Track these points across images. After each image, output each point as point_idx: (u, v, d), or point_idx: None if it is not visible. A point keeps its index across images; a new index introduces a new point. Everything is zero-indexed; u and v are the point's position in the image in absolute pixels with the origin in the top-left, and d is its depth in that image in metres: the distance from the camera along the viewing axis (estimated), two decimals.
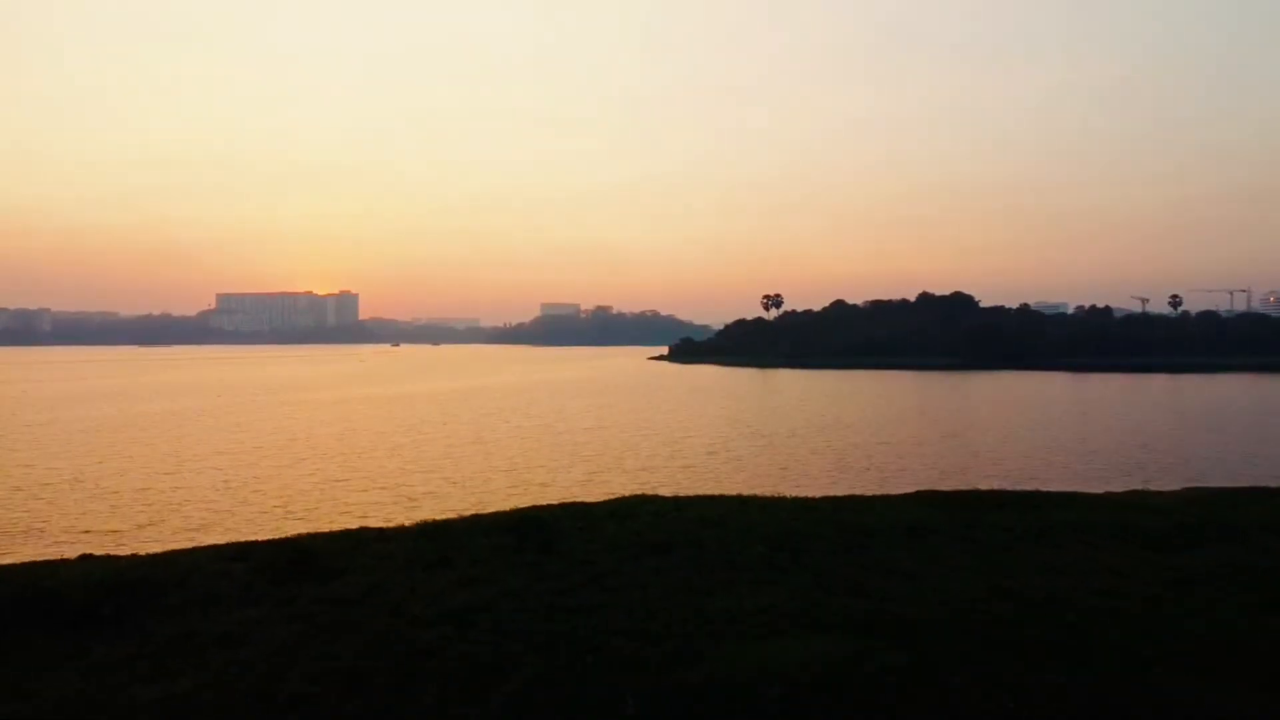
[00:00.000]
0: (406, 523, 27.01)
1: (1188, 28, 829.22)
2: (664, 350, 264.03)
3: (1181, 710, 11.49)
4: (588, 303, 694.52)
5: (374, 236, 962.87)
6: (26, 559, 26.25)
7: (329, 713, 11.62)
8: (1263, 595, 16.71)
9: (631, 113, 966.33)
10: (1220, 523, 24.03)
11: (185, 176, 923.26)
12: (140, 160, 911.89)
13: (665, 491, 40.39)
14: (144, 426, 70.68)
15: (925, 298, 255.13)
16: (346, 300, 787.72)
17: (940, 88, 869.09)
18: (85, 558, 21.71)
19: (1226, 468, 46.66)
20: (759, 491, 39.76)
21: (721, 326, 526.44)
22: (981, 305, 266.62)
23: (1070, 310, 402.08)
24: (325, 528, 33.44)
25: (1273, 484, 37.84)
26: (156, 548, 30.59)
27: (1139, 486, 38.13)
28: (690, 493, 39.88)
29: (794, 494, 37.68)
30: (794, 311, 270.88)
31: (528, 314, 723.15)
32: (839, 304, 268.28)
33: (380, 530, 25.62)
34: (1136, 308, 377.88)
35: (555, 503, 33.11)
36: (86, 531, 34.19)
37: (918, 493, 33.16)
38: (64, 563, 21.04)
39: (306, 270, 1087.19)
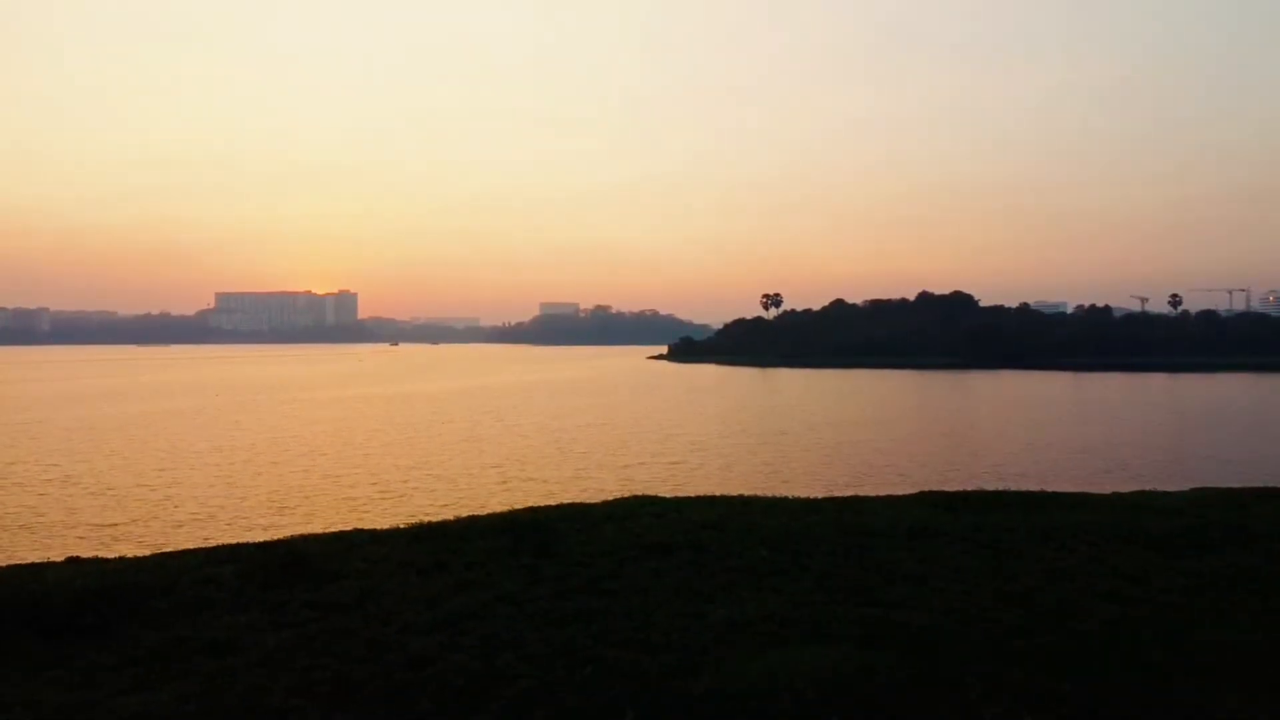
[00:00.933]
0: (401, 524, 26.58)
1: (1188, 28, 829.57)
2: (663, 350, 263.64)
3: None
4: (587, 302, 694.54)
5: (373, 236, 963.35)
6: (12, 560, 25.86)
7: None
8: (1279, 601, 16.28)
9: (631, 112, 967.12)
10: (1230, 525, 23.60)
11: (184, 176, 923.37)
12: (139, 160, 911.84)
13: (663, 491, 40.07)
14: (140, 426, 70.24)
15: (925, 297, 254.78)
16: (345, 300, 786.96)
17: (940, 88, 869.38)
18: (72, 560, 21.28)
19: (1231, 468, 46.29)
20: (760, 491, 39.39)
21: (721, 326, 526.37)
22: (981, 305, 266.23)
23: (1070, 310, 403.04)
24: (319, 529, 33.06)
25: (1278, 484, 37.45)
26: (147, 549, 30.19)
27: (1144, 487, 37.71)
28: (689, 493, 39.51)
29: (795, 494, 37.34)
30: (793, 311, 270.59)
31: (527, 313, 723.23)
32: (838, 303, 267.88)
33: (374, 532, 25.16)
34: (1136, 307, 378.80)
35: (553, 504, 32.76)
36: (76, 528, 33.72)
37: (921, 494, 32.70)
38: (49, 566, 20.59)
39: (306, 270, 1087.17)
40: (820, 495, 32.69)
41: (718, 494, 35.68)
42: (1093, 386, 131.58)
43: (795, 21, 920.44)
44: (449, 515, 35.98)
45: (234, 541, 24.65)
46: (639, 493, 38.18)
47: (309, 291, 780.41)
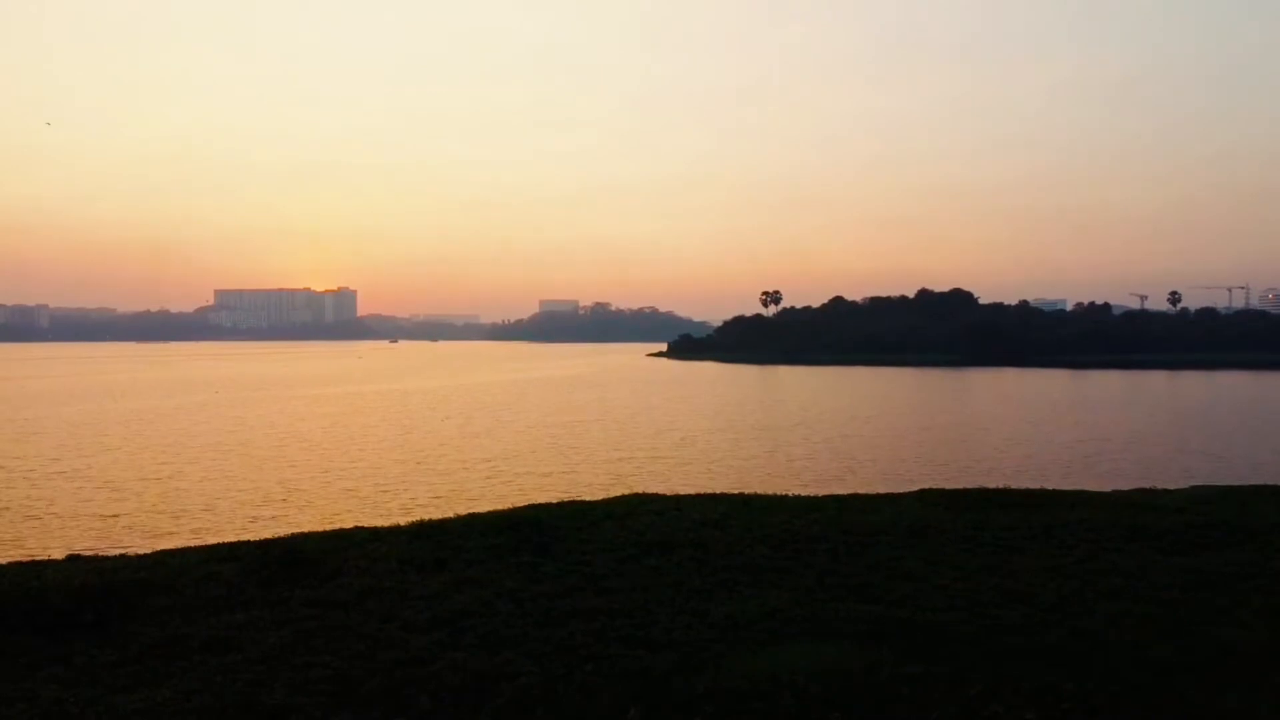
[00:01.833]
0: (401, 522, 26.53)
1: (1190, 27, 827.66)
2: (663, 347, 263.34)
3: None
4: (587, 299, 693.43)
5: (373, 233, 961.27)
6: (15, 553, 25.81)
7: None
8: None
9: (632, 110, 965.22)
10: (1230, 522, 23.55)
11: (184, 173, 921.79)
12: (138, 157, 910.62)
13: (663, 488, 39.99)
14: (142, 421, 70.12)
15: (925, 295, 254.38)
16: (345, 297, 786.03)
17: (941, 86, 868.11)
18: (72, 558, 21.22)
19: (1229, 466, 46.23)
20: (760, 488, 39.36)
21: (721, 323, 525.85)
22: (981, 302, 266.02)
23: (1070, 308, 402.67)
24: (319, 526, 32.98)
25: (1278, 482, 37.36)
26: (148, 542, 30.18)
27: (1143, 485, 37.64)
28: (689, 490, 39.44)
29: (796, 491, 37.23)
30: (793, 308, 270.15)
31: (526, 310, 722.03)
32: (838, 300, 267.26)
33: (374, 530, 25.10)
34: (1135, 304, 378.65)
35: (554, 501, 32.70)
36: (78, 520, 33.64)
37: (922, 491, 32.61)
38: (51, 563, 20.55)
39: (305, 267, 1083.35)
40: (821, 493, 32.59)
41: (718, 491, 35.67)
42: (1091, 384, 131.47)
43: (796, 20, 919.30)
44: (449, 513, 35.97)
45: (234, 539, 24.59)
46: (639, 490, 38.14)
47: (308, 289, 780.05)
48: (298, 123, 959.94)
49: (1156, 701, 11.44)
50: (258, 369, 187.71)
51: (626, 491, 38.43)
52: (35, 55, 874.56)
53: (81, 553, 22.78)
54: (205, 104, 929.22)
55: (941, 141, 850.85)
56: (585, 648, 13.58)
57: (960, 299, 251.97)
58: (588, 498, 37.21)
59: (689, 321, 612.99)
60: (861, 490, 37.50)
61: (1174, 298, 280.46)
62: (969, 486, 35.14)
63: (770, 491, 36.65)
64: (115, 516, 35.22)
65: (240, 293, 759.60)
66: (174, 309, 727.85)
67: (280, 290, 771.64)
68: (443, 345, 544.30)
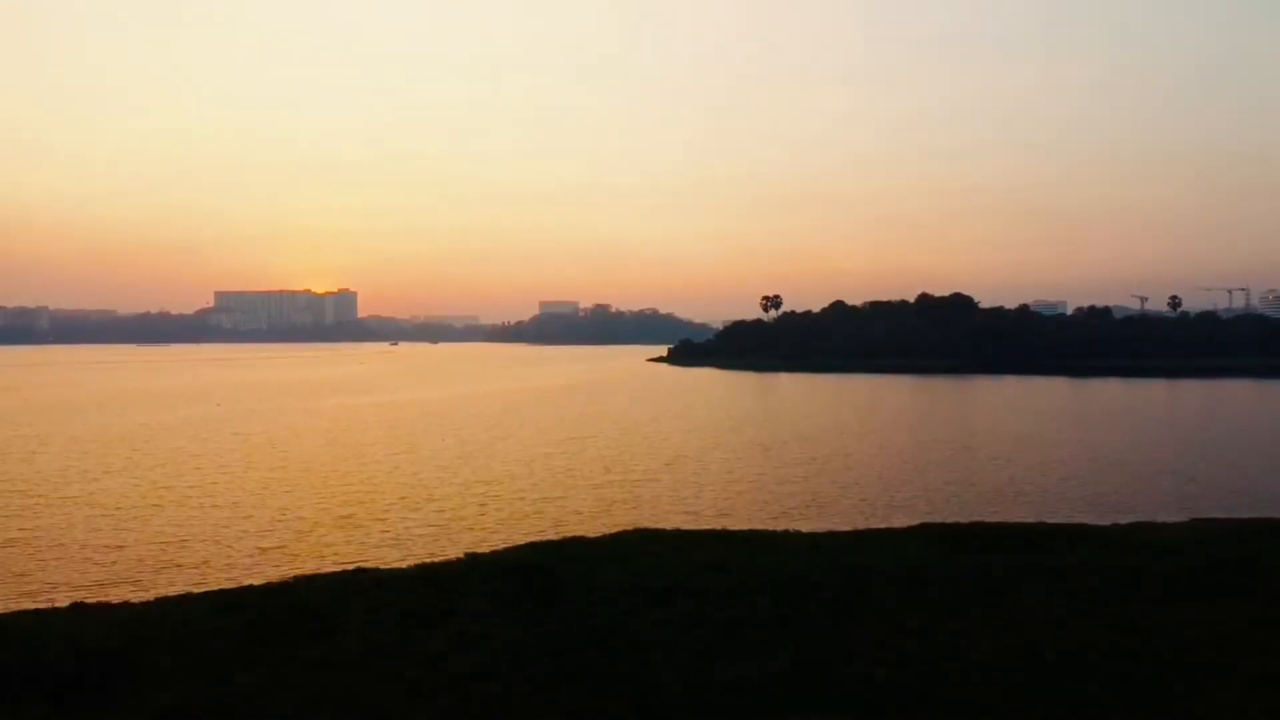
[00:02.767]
0: (404, 563, 26.62)
1: (1192, 24, 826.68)
2: (663, 351, 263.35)
3: None
4: (587, 300, 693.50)
5: (373, 233, 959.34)
6: (18, 602, 25.83)
7: None
8: None
9: (632, 109, 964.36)
10: (1234, 565, 23.57)
11: (183, 173, 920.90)
12: (138, 156, 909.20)
13: (663, 514, 40.05)
14: (145, 440, 70.10)
15: (924, 299, 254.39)
16: (345, 299, 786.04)
17: (945, 86, 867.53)
18: (77, 607, 21.26)
19: (1230, 493, 46.04)
20: (759, 517, 39.48)
21: (721, 325, 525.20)
22: (981, 306, 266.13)
23: (1070, 310, 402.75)
24: (320, 561, 33.16)
25: (1276, 514, 37.40)
26: (150, 580, 30.26)
27: (1143, 516, 37.71)
28: (684, 517, 39.60)
29: (794, 521, 37.39)
30: (793, 313, 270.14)
31: (527, 312, 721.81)
32: (838, 305, 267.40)
33: (377, 574, 25.21)
34: (1136, 306, 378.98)
35: (554, 538, 32.76)
36: (83, 551, 33.64)
37: (922, 526, 32.77)
38: (54, 612, 20.61)
39: (305, 267, 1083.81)
40: (820, 528, 32.74)
41: (714, 517, 35.79)
42: (1092, 394, 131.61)
43: (798, 18, 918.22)
44: (445, 543, 36.19)
45: (238, 582, 24.65)
46: (636, 521, 38.44)
47: (308, 290, 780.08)
48: (298, 122, 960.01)
49: None
50: (258, 376, 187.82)
51: (624, 521, 38.75)
52: (34, 53, 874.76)
53: (85, 599, 22.82)
54: (205, 103, 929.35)
55: (944, 141, 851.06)
56: (587, 714, 13.64)
57: (960, 304, 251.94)
58: (586, 528, 37.42)
59: (689, 324, 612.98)
60: (860, 522, 37.65)
61: (1174, 302, 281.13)
62: (968, 521, 35.33)
63: (766, 520, 36.81)
64: (120, 548, 35.33)
65: (240, 294, 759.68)
66: (174, 310, 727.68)
67: (280, 292, 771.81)
68: (443, 348, 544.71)
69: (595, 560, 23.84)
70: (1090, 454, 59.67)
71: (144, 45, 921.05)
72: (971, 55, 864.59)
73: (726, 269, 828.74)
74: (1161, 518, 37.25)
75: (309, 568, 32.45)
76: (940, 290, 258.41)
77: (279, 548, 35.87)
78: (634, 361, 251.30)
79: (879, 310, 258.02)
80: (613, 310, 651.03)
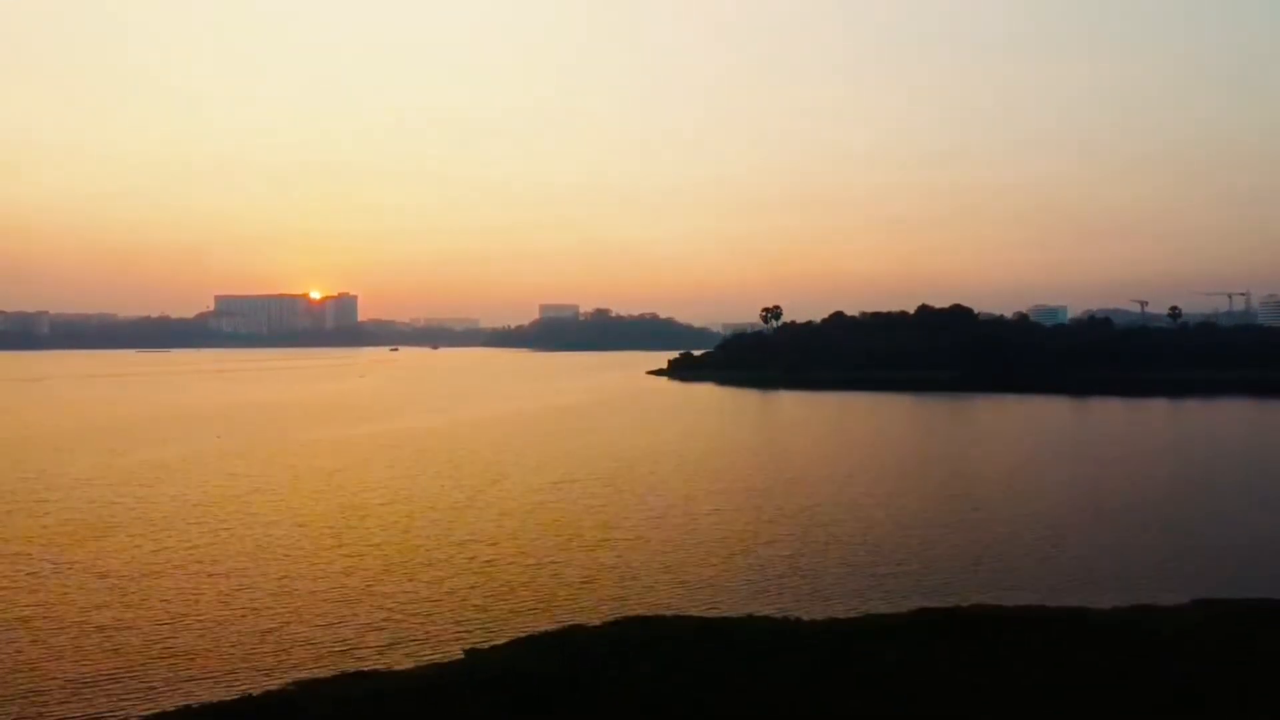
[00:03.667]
0: (400, 662, 26.78)
1: (1201, 28, 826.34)
2: (663, 362, 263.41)
3: None
4: (587, 304, 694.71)
5: (373, 236, 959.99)
6: (9, 706, 25.92)
7: None
8: None
9: (632, 109, 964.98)
10: (1231, 665, 24.04)
11: (183, 176, 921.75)
12: (138, 159, 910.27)
13: (650, 590, 39.52)
14: (145, 485, 69.93)
15: (924, 310, 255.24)
16: (345, 303, 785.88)
17: (949, 87, 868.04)
18: None
19: (1234, 563, 45.83)
20: (754, 584, 39.62)
21: (721, 328, 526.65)
22: (980, 314, 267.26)
23: (1071, 314, 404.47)
24: (319, 652, 33.29)
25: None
26: (150, 679, 30.35)
27: (1143, 594, 37.65)
28: (675, 587, 39.68)
29: (787, 600, 37.51)
30: (793, 323, 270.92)
31: (527, 315, 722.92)
32: (838, 315, 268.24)
33: (375, 684, 25.58)
34: (1136, 310, 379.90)
35: (552, 628, 32.97)
36: (78, 633, 33.66)
37: (919, 612, 32.96)
38: None
39: (305, 271, 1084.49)
40: (814, 614, 33.06)
41: (712, 614, 35.80)
42: (1092, 420, 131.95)
43: (798, 22, 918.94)
44: (436, 619, 36.52)
45: (235, 676, 24.67)
46: (626, 593, 39.06)
47: (307, 295, 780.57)
48: (298, 125, 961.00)
49: None
50: (258, 396, 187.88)
51: (610, 595, 39.60)
52: (35, 57, 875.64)
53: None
54: (205, 107, 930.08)
55: (946, 143, 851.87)
56: None
57: (959, 314, 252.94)
58: (576, 604, 37.85)
59: (689, 328, 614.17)
60: (857, 595, 37.70)
61: (1174, 312, 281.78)
62: (965, 605, 35.36)
63: (761, 600, 37.03)
64: (121, 630, 35.63)
65: (240, 299, 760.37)
66: (174, 314, 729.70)
67: (280, 296, 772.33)
68: (443, 354, 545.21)
69: (591, 662, 24.52)
70: (1090, 506, 59.54)
71: (144, 47, 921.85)
72: (979, 58, 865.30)
73: (726, 271, 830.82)
74: (1164, 595, 37.41)
75: (304, 657, 32.78)
76: (942, 293, 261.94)
77: (278, 628, 36.07)
78: (634, 374, 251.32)
79: (878, 321, 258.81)
80: (613, 314, 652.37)
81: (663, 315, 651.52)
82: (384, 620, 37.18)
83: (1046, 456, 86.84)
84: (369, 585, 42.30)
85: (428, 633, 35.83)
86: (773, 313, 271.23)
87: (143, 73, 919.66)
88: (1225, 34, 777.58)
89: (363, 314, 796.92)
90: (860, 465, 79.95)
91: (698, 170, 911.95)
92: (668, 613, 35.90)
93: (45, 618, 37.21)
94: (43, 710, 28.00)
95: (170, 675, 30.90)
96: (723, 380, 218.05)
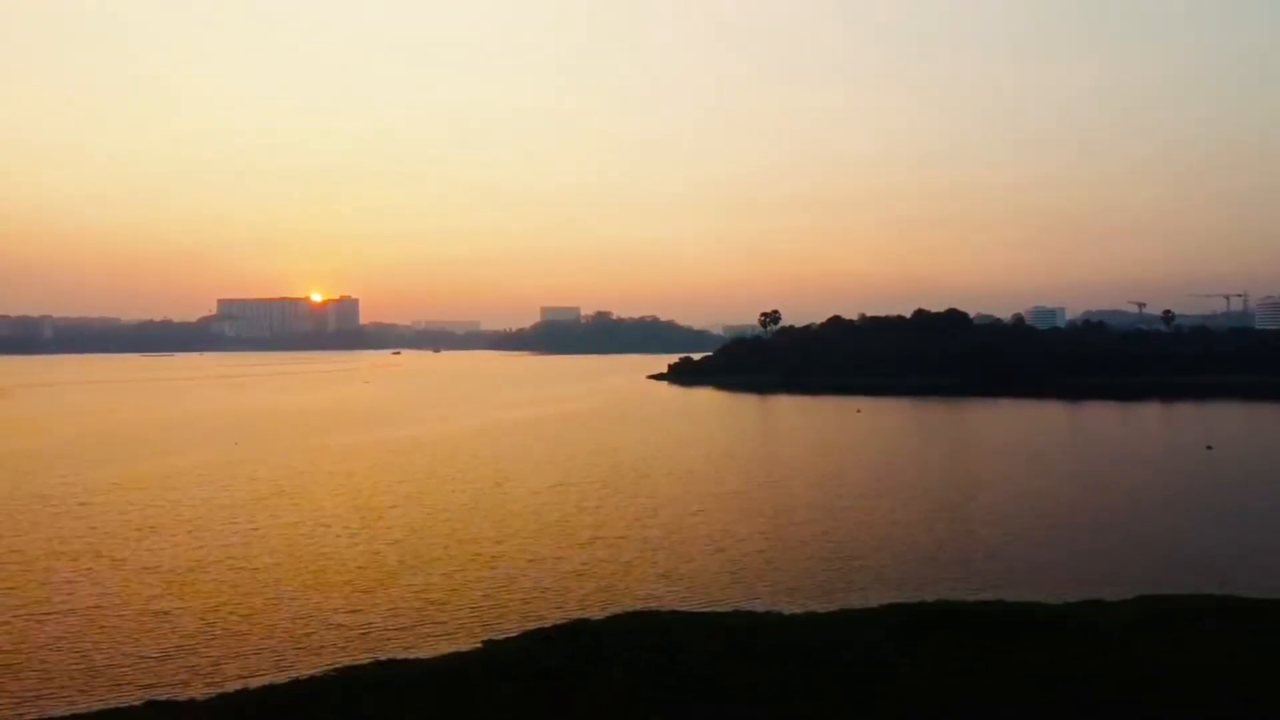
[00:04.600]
0: (416, 647, 30.34)
1: (1189, 26, 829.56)
2: (663, 366, 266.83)
3: None
4: (588, 306, 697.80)
5: (375, 239, 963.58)
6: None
7: None
8: None
9: (632, 113, 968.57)
10: (1160, 661, 27.47)
11: (186, 178, 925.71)
12: (141, 161, 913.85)
13: (641, 576, 42.28)
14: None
15: (920, 314, 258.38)
16: (347, 306, 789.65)
17: (946, 87, 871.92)
18: None
19: (1187, 558, 49.44)
20: (731, 578, 42.94)
21: (721, 330, 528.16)
22: (976, 319, 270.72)
23: (1069, 317, 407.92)
24: (348, 637, 36.68)
25: (1248, 589, 40.38)
26: (199, 660, 33.51)
27: (1095, 594, 40.94)
28: (667, 584, 42.73)
29: (767, 593, 41.24)
30: (792, 327, 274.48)
31: (528, 318, 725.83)
32: (835, 319, 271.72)
33: (399, 670, 29.33)
34: (1134, 310, 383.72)
35: (559, 621, 36.61)
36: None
37: (889, 608, 36.58)
38: None
39: (306, 275, 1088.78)
40: (794, 608, 36.54)
41: (708, 610, 39.24)
42: (1085, 423, 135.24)
43: (793, 21, 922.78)
44: (462, 621, 39.58)
45: (278, 672, 28.25)
46: (620, 593, 42.59)
47: (309, 298, 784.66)
48: (300, 128, 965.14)
49: None
50: (266, 400, 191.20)
51: (602, 586, 43.74)
52: (36, 61, 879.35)
53: None
54: (207, 109, 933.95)
55: (943, 143, 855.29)
56: None
57: (955, 319, 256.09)
58: (570, 588, 41.26)
59: (689, 331, 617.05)
60: (834, 595, 41.08)
61: (1168, 315, 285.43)
62: (933, 600, 38.90)
63: (746, 591, 40.68)
64: (177, 614, 39.44)
65: (243, 302, 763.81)
66: (176, 319, 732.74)
67: (282, 300, 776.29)
68: (445, 357, 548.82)
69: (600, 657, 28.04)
70: (1066, 508, 62.91)
71: (145, 49, 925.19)
72: (977, 59, 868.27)
73: (727, 272, 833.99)
74: (1114, 588, 40.95)
75: (333, 640, 36.82)
76: (939, 296, 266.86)
77: (310, 615, 39.84)
78: (634, 379, 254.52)
79: (876, 325, 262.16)
80: (614, 317, 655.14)
81: (664, 318, 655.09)
82: (404, 609, 41.00)
83: (1035, 460, 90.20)
84: (388, 578, 45.97)
85: (444, 620, 39.56)
86: (771, 317, 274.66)
87: (143, 74, 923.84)
88: (1225, 34, 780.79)
89: (364, 317, 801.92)
90: (842, 471, 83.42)
91: (698, 172, 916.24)
92: (660, 606, 39.61)
93: (112, 605, 41.38)
94: (127, 679, 32.34)
95: (224, 652, 34.94)
96: (722, 385, 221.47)
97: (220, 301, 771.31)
